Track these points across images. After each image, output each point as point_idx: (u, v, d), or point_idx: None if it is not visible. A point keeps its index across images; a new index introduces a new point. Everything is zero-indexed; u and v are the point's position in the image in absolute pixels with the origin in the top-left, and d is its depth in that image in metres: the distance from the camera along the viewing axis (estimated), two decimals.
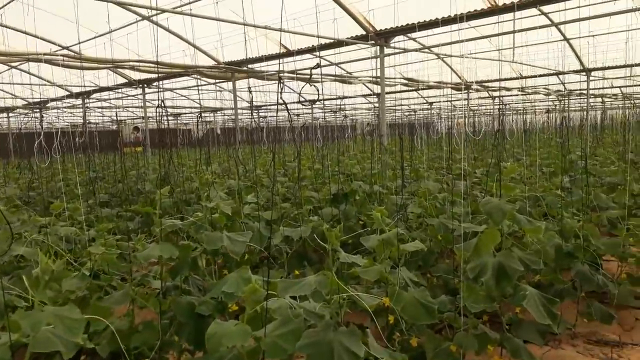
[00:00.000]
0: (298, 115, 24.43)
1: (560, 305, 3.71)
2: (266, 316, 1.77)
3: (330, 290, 1.88)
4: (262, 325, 1.82)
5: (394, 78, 10.47)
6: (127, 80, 9.73)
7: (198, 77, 8.05)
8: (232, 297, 2.05)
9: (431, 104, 20.85)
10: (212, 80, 9.00)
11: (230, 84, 11.12)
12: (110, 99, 14.17)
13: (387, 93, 14.67)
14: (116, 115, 19.97)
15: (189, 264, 2.26)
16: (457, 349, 2.69)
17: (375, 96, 15.78)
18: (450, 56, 10.00)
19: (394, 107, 21.30)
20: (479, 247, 2.74)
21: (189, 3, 5.57)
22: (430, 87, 12.38)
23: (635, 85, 15.17)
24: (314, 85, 2.29)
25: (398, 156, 9.30)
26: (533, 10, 7.41)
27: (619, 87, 16.93)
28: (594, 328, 3.66)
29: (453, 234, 3.41)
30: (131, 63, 6.55)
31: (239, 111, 22.75)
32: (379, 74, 9.87)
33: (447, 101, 20.48)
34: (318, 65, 3.28)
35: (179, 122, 25.52)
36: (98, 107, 16.67)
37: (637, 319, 3.88)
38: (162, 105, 2.78)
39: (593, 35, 8.81)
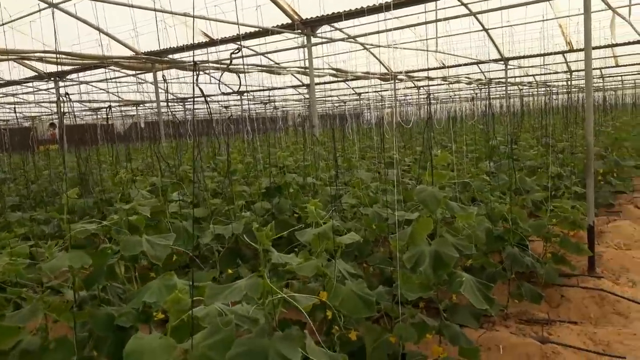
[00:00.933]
0: (227, 107, 23.90)
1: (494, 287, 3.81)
2: (192, 326, 1.60)
3: (262, 293, 1.74)
4: (190, 336, 1.65)
5: (322, 69, 10.41)
6: (36, 74, 8.98)
7: (116, 69, 7.55)
8: (156, 306, 1.85)
9: (359, 94, 21.07)
10: (132, 72, 8.51)
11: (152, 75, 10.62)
12: (20, 94, 13.07)
13: (317, 84, 14.64)
14: (24, 112, 18.58)
15: (104, 273, 2.03)
16: (396, 340, 2.65)
17: (305, 87, 15.69)
18: (377, 47, 10.08)
19: (323, 99, 21.34)
20: (414, 235, 2.70)
21: None
22: (358, 78, 12.46)
23: (548, 73, 16.09)
24: (238, 75, 2.10)
25: (331, 147, 9.27)
26: (454, 2, 7.59)
27: (534, 75, 17.93)
28: (524, 308, 3.77)
29: (387, 222, 3.38)
30: (38, 54, 5.97)
31: (167, 104, 21.90)
32: (307, 64, 9.81)
33: (375, 92, 20.80)
34: (239, 49, 3.10)
35: (98, 117, 24.16)
36: (7, 103, 15.37)
37: (563, 296, 4.04)
38: (68, 99, 2.50)
39: (510, 25, 9.19)
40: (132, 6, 4.97)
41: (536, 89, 21.65)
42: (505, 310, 3.70)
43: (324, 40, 6.23)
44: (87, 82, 10.55)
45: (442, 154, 2.77)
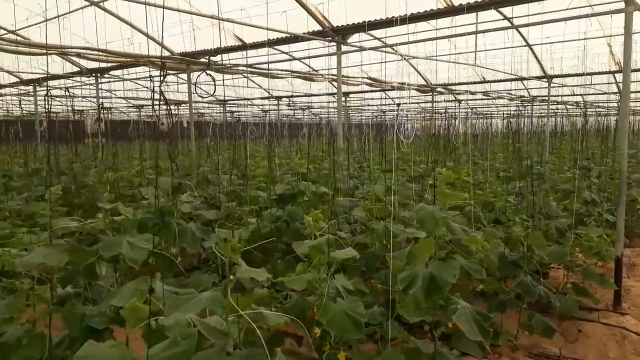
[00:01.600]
0: (266, 111, 24.14)
1: (502, 316, 3.62)
2: (150, 335, 1.55)
3: (224, 308, 1.68)
4: (150, 345, 1.60)
5: (356, 77, 10.32)
6: (79, 69, 9.28)
7: (151, 67, 7.71)
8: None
9: (399, 105, 20.84)
10: (171, 72, 8.67)
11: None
12: (70, 87, 13.56)
13: (352, 93, 14.56)
14: (71, 106, 19.24)
15: (82, 272, 2.01)
16: None
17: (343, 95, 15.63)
18: (415, 57, 9.92)
19: (360, 107, 21.23)
20: (413, 255, 2.58)
21: None
22: (394, 88, 12.30)
23: (596, 93, 15.46)
24: (213, 78, 2.06)
25: (358, 156, 9.15)
26: (496, 15, 7.37)
27: (581, 94, 17.27)
28: (536, 340, 3.56)
29: (391, 239, 3.25)
30: (75, 50, 6.15)
31: (211, 105, 22.30)
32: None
33: (414, 103, 20.54)
34: (218, 51, 3.06)
35: (142, 113, 24.83)
36: (56, 96, 16.02)
37: (581, 330, 3.80)
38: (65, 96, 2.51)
39: (551, 43, 8.86)
40: (165, 7, 5.05)
41: (582, 109, 20.86)
42: (515, 341, 3.50)
43: (354, 48, 6.15)
44: (126, 79, 10.83)
45: (445, 172, 2.64)
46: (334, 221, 4.05)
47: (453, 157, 8.93)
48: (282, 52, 9.03)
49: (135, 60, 7.13)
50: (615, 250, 4.23)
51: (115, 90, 16.60)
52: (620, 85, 14.24)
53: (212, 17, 4.96)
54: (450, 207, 4.29)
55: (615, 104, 16.90)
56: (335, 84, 13.47)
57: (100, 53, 6.45)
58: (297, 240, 3.14)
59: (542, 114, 20.65)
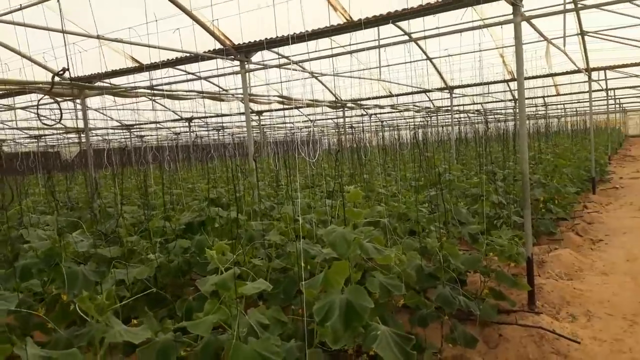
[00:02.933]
0: (178, 134, 23.34)
1: (426, 330, 3.55)
2: None
3: None
4: None
5: (265, 95, 10.18)
6: None
7: (40, 93, 7.04)
8: None
9: (313, 121, 20.97)
10: (59, 99, 7.99)
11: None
12: None
13: (265, 111, 14.40)
14: None
15: None
16: None
17: (255, 114, 15.43)
18: (323, 75, 9.96)
19: (276, 125, 21.11)
20: (328, 281, 2.42)
21: (13, 11, 4.76)
22: (305, 106, 12.29)
23: (494, 102, 16.46)
24: (58, 104, 1.79)
25: (273, 177, 8.95)
26: (396, 31, 7.54)
27: (481, 103, 18.33)
28: (460, 351, 3.52)
29: (301, 263, 3.08)
30: None
31: (117, 131, 21.09)
32: (251, 90, 9.54)
33: (328, 119, 20.77)
34: (64, 70, 2.79)
35: (40, 143, 23.04)
36: None
37: (501, 335, 3.83)
38: None
39: (450, 55, 9.26)
40: (49, 29, 4.59)
41: (483, 117, 22.19)
42: (439, 354, 3.44)
43: (259, 67, 5.99)
44: (12, 108, 9.90)
45: (353, 191, 2.52)
46: (248, 247, 3.81)
47: (367, 169, 9.00)
48: (188, 73, 8.69)
49: (20, 88, 6.47)
50: (525, 251, 4.34)
51: (6, 121, 15.24)
52: (516, 93, 15.28)
53: (98, 37, 4.54)
54: (365, 223, 4.23)
55: (511, 110, 18.11)
56: (250, 103, 13.24)
57: None
58: (209, 273, 2.88)
59: (447, 123, 21.69)
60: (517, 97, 15.20)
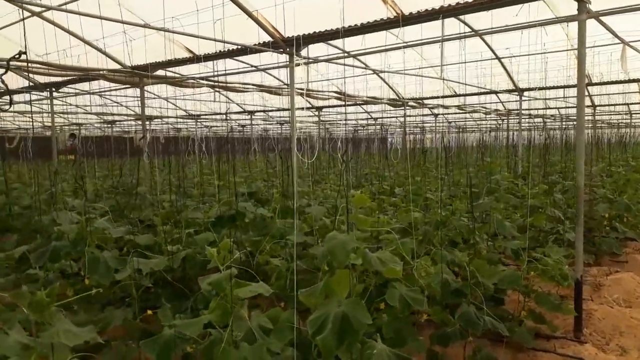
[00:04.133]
0: (243, 126, 23.83)
1: (448, 349, 3.30)
2: None
3: None
4: None
5: (324, 91, 10.07)
6: (32, 84, 8.89)
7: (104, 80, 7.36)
8: None
9: (375, 119, 20.69)
10: (119, 85, 8.33)
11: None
12: (18, 103, 13.10)
13: (325, 107, 14.31)
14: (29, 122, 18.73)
15: None
16: None
17: (315, 110, 15.39)
18: (385, 72, 9.71)
19: (336, 121, 21.03)
20: (330, 290, 2.27)
21: (72, 1, 4.96)
22: (366, 102, 12.08)
23: (569, 107, 15.43)
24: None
25: (321, 174, 8.87)
26: (462, 28, 7.17)
27: (557, 107, 17.25)
28: None
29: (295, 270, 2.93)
30: (36, 65, 5.76)
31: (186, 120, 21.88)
32: (310, 85, 9.48)
33: (392, 117, 20.39)
34: (20, 53, 2.77)
35: (115, 129, 24.38)
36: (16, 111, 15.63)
37: None
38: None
39: (520, 55, 8.71)
40: (123, 22, 4.75)
41: (560, 123, 20.91)
42: None
43: (309, 59, 5.90)
44: (81, 94, 10.43)
45: (358, 195, 2.34)
46: (268, 246, 3.73)
47: (422, 171, 8.70)
48: (249, 65, 8.75)
49: (84, 74, 6.77)
50: (574, 272, 3.96)
51: (84, 106, 16.16)
52: (594, 98, 14.24)
53: (162, 29, 4.64)
54: (399, 229, 4.02)
55: (590, 117, 16.91)
56: (308, 98, 13.24)
57: (55, 68, 6.08)
58: (212, 271, 2.82)
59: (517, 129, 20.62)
60: (598, 103, 14.11)
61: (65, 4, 5.19)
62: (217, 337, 2.46)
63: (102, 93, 10.84)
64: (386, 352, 2.10)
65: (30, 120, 20.70)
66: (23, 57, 2.66)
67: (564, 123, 21.45)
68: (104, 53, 6.85)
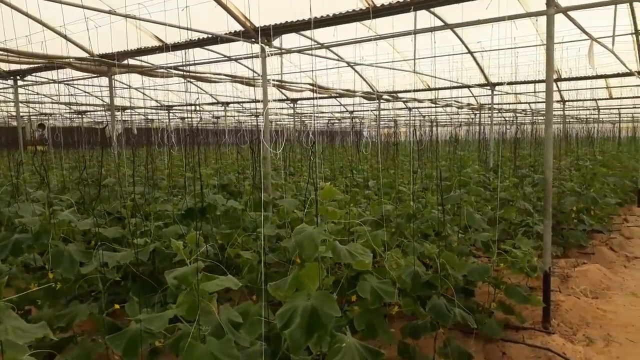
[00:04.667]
0: (218, 117, 23.50)
1: (420, 342, 3.32)
2: None
3: None
4: None
5: (296, 83, 9.99)
6: None
7: (71, 69, 7.13)
8: None
9: (351, 112, 20.70)
10: (86, 75, 8.10)
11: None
12: None
13: (300, 99, 14.22)
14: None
15: None
16: None
17: (289, 101, 15.28)
18: (359, 64, 9.68)
19: (309, 114, 20.95)
20: (299, 283, 2.23)
21: None
22: (341, 95, 12.05)
23: (539, 102, 15.70)
24: None
25: (296, 166, 8.80)
26: (435, 21, 7.18)
27: (527, 102, 17.55)
28: None
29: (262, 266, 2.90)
30: None
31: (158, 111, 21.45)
32: (278, 76, 9.38)
33: (366, 110, 20.43)
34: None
35: (85, 120, 23.78)
36: None
37: (504, 353, 3.56)
38: None
39: (491, 50, 8.79)
40: (84, 7, 4.58)
41: (531, 117, 21.31)
42: None
43: (281, 50, 5.82)
44: (47, 82, 10.10)
45: (327, 188, 2.30)
46: (241, 239, 3.67)
47: (395, 164, 8.73)
48: (220, 55, 8.60)
49: (48, 62, 6.54)
50: (543, 264, 4.03)
51: (52, 95, 15.67)
52: (564, 93, 14.52)
53: (128, 16, 4.50)
54: (372, 222, 4.01)
55: (560, 112, 17.25)
56: (282, 90, 13.12)
57: (16, 55, 5.84)
58: (178, 265, 2.76)
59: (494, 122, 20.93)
60: (567, 98, 14.35)
61: None
62: (185, 332, 2.41)
63: (70, 82, 10.51)
64: (355, 345, 2.08)
65: None
66: None
67: (534, 117, 21.84)
68: (69, 39, 6.63)
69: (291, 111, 18.33)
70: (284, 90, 12.60)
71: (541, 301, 3.85)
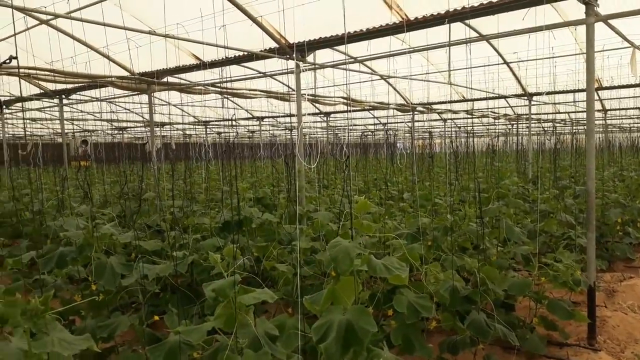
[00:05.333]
0: (252, 132, 23.84)
1: (458, 357, 3.25)
2: None
3: None
4: None
5: (331, 97, 10.06)
6: (42, 91, 8.97)
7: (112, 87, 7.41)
8: None
9: (385, 124, 20.64)
10: (127, 92, 8.38)
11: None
12: (39, 109, 13.25)
13: (332, 112, 14.29)
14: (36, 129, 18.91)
15: None
16: None
17: (323, 115, 15.38)
18: (392, 77, 9.68)
19: (343, 127, 20.99)
20: (335, 297, 2.23)
21: (78, 9, 5.00)
22: (374, 108, 12.05)
23: (579, 111, 15.28)
24: None
25: (330, 179, 8.83)
26: (470, 33, 7.12)
27: (567, 112, 17.11)
28: None
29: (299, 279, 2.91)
30: (26, 70, 5.83)
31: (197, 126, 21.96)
32: (317, 91, 9.47)
33: (400, 122, 20.32)
34: (11, 58, 2.76)
35: (126, 135, 24.54)
36: (21, 119, 15.84)
37: None
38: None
39: (528, 60, 8.63)
40: (126, 28, 4.78)
41: (571, 127, 20.74)
42: None
43: (315, 65, 5.88)
44: (90, 101, 10.51)
45: (362, 201, 2.30)
46: (276, 252, 3.70)
47: (430, 176, 8.65)
48: (255, 71, 8.77)
49: (92, 81, 6.82)
50: (587, 278, 3.89)
51: (94, 112, 16.27)
52: (605, 102, 14.09)
53: (167, 35, 4.67)
54: (408, 235, 3.97)
55: (601, 122, 16.72)
56: (315, 104, 13.23)
57: (62, 75, 6.13)
58: (216, 277, 2.80)
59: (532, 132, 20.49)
60: (609, 107, 13.94)
61: (71, 12, 5.23)
62: (222, 344, 2.44)
63: (112, 100, 10.90)
64: None
65: (42, 127, 20.90)
66: (14, 62, 2.65)
67: (574, 127, 21.24)
68: (111, 59, 6.90)
69: (325, 124, 18.44)
70: (317, 105, 12.70)
71: (586, 317, 3.71)
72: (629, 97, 12.71)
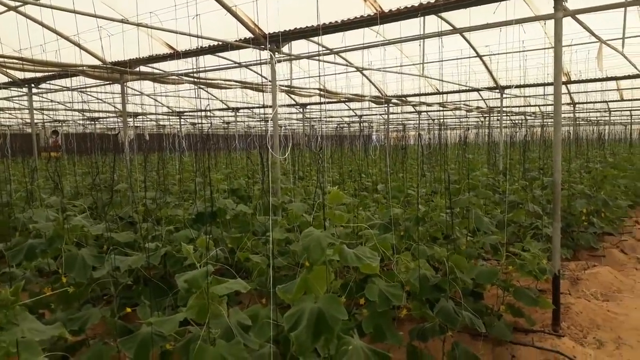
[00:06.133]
0: (228, 123, 23.66)
1: (428, 345, 3.34)
2: None
3: None
4: None
5: (305, 88, 10.06)
6: (10, 79, 8.73)
7: (84, 76, 7.25)
8: None
9: (360, 116, 20.74)
10: (99, 82, 8.22)
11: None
12: (7, 99, 12.88)
13: (309, 104, 14.30)
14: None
15: None
16: None
17: (299, 106, 15.37)
18: (367, 69, 9.72)
19: (319, 119, 21.02)
20: (307, 286, 2.27)
21: None
22: (350, 100, 12.09)
23: (549, 105, 15.61)
24: None
25: (304, 170, 8.85)
26: (444, 26, 7.20)
27: (537, 105, 17.47)
28: None
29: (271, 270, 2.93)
30: (11, 60, 5.64)
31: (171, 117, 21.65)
32: (288, 82, 9.44)
33: (375, 114, 20.45)
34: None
35: (98, 126, 24.08)
36: None
37: (514, 356, 3.56)
38: None
39: (500, 53, 8.78)
40: (97, 16, 4.68)
41: (541, 120, 21.18)
42: None
43: (290, 56, 5.88)
44: (61, 90, 10.27)
45: (334, 192, 2.34)
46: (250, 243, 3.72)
47: (404, 167, 8.74)
48: (230, 61, 8.70)
49: (62, 70, 6.67)
50: (552, 266, 4.02)
51: (65, 102, 15.90)
52: (574, 96, 14.43)
53: (140, 24, 4.59)
54: (381, 225, 4.04)
55: (569, 114, 17.14)
56: (291, 95, 13.20)
57: (31, 63, 5.96)
58: (189, 268, 2.81)
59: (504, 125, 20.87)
60: (577, 100, 14.24)
61: None
62: (195, 335, 2.46)
63: (83, 89, 10.67)
64: (362, 348, 2.11)
65: (10, 117, 20.29)
66: None
67: (544, 120, 21.74)
68: (82, 48, 6.75)
69: (300, 116, 18.42)
70: (293, 96, 12.67)
71: (550, 303, 3.84)
72: (597, 91, 13.05)
